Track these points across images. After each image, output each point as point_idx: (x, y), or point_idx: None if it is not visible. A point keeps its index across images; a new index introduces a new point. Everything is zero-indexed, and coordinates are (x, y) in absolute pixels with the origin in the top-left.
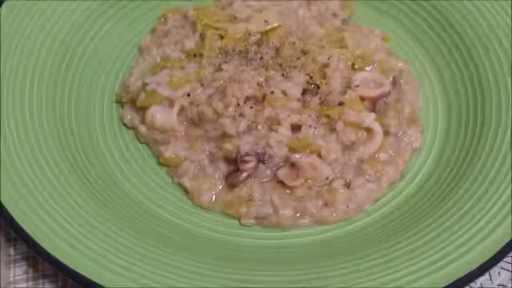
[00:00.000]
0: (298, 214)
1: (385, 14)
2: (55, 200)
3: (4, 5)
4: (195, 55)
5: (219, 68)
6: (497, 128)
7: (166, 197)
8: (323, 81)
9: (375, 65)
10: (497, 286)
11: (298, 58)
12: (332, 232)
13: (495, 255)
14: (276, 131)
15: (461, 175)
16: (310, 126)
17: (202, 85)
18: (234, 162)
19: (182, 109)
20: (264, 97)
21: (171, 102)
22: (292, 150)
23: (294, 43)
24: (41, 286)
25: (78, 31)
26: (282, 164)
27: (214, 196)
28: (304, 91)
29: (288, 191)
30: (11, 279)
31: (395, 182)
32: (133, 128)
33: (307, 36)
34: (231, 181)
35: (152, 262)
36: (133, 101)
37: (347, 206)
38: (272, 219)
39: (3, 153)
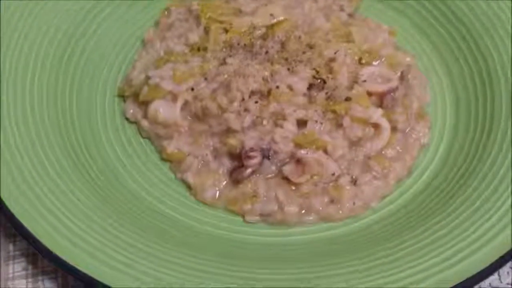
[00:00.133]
0: (303, 211)
1: (391, 7)
2: (56, 196)
3: None
4: (199, 49)
5: (223, 62)
6: (507, 123)
7: (168, 193)
8: (330, 75)
9: (383, 59)
10: (506, 285)
11: (304, 52)
12: (338, 229)
13: (504, 254)
14: (282, 126)
15: (470, 172)
16: (316, 121)
17: (206, 79)
18: (239, 158)
19: (185, 103)
20: (269, 92)
21: (174, 97)
22: (298, 145)
23: (300, 37)
24: (40, 283)
25: (80, 23)
26: (287, 160)
27: (217, 192)
28: (310, 86)
29: (293, 188)
30: (10, 275)
31: (402, 179)
32: (135, 122)
33: (313, 30)
34: (235, 177)
35: (154, 259)
36: (136, 95)
37: (354, 203)
38: (277, 216)
39: (3, 147)
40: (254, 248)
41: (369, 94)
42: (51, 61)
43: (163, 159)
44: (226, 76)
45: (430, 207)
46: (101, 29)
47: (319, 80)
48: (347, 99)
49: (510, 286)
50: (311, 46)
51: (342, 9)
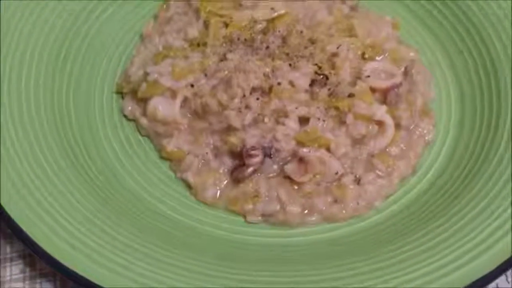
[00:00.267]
0: (306, 211)
1: None
2: (54, 197)
3: None
4: (198, 44)
5: (223, 58)
6: None
7: (168, 192)
8: (332, 71)
9: (386, 54)
10: None
11: (305, 47)
12: (341, 230)
13: (506, 261)
14: (283, 124)
15: (476, 171)
16: (319, 118)
17: (206, 75)
18: (240, 157)
19: (185, 100)
20: (270, 88)
21: (173, 93)
22: (300, 144)
23: (301, 32)
24: (38, 285)
25: (77, 18)
26: (289, 158)
27: (218, 192)
28: (312, 82)
29: (295, 187)
30: (7, 278)
31: (406, 177)
32: (134, 120)
33: (315, 24)
34: (236, 176)
35: (153, 261)
36: (134, 92)
37: (357, 203)
38: (279, 216)
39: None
40: (255, 249)
41: (373, 90)
42: (47, 56)
43: (163, 158)
44: (226, 72)
45: (436, 206)
46: (98, 22)
47: (321, 76)
48: (350, 95)
49: None
50: (313, 41)
51: (344, 2)
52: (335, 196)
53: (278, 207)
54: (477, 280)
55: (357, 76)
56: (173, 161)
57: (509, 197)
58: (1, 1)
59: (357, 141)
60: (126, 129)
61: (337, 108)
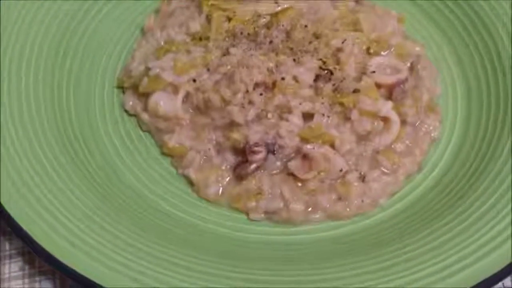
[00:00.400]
0: (309, 209)
1: None
2: (54, 194)
3: None
4: (201, 38)
5: (226, 52)
6: None
7: (170, 189)
8: (337, 66)
9: (392, 49)
10: None
11: (310, 42)
12: (345, 228)
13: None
14: (287, 120)
15: (482, 169)
16: (323, 114)
17: (208, 70)
18: (243, 153)
19: (187, 95)
20: (274, 84)
21: (175, 88)
22: (304, 140)
23: (306, 26)
24: (37, 283)
25: (77, 11)
26: (293, 155)
27: (221, 189)
28: (317, 77)
29: (299, 184)
30: (6, 276)
31: (412, 174)
32: (135, 115)
33: (319, 18)
34: (239, 173)
35: (153, 259)
36: (135, 87)
37: (362, 201)
38: (282, 214)
39: None
40: (258, 247)
41: (378, 85)
42: (47, 51)
43: (164, 154)
44: (229, 67)
45: (442, 204)
46: (99, 16)
47: (326, 71)
48: (355, 91)
49: None
50: (317, 36)
51: None
52: (339, 194)
53: (281, 204)
54: (483, 281)
55: (362, 72)
56: (175, 157)
57: None
58: None
59: (362, 138)
60: (127, 124)
61: (342, 104)
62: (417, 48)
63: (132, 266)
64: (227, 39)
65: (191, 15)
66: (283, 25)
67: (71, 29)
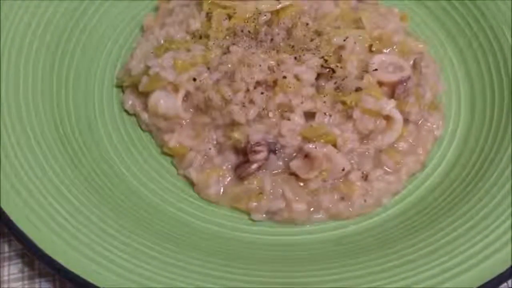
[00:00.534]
0: (311, 209)
1: None
2: (54, 197)
3: None
4: (201, 36)
5: (227, 51)
6: None
7: (170, 189)
8: (339, 64)
9: (394, 47)
10: None
11: (311, 40)
12: (348, 228)
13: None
14: (289, 119)
15: (486, 168)
16: (325, 113)
17: (208, 68)
18: (244, 153)
19: (187, 94)
20: (275, 82)
21: (175, 87)
22: (306, 139)
23: (307, 24)
24: (37, 285)
25: (76, 9)
26: (295, 154)
27: (222, 189)
28: (318, 76)
29: (301, 184)
30: (5, 278)
31: (415, 173)
32: (134, 114)
33: (321, 16)
34: (240, 173)
35: (153, 261)
36: (135, 86)
37: (364, 200)
38: (284, 214)
39: None
40: (259, 248)
41: (380, 83)
42: (45, 49)
43: (164, 153)
44: (229, 65)
45: (445, 203)
46: (98, 14)
47: (327, 70)
48: (358, 89)
49: None
50: (318, 33)
51: None
52: (342, 193)
53: (283, 204)
54: (491, 281)
55: (364, 70)
56: (175, 157)
57: None
58: None
59: (364, 137)
60: (127, 124)
61: (344, 103)
62: (420, 46)
63: (131, 268)
64: (227, 37)
65: (191, 12)
66: (284, 23)
67: (69, 28)
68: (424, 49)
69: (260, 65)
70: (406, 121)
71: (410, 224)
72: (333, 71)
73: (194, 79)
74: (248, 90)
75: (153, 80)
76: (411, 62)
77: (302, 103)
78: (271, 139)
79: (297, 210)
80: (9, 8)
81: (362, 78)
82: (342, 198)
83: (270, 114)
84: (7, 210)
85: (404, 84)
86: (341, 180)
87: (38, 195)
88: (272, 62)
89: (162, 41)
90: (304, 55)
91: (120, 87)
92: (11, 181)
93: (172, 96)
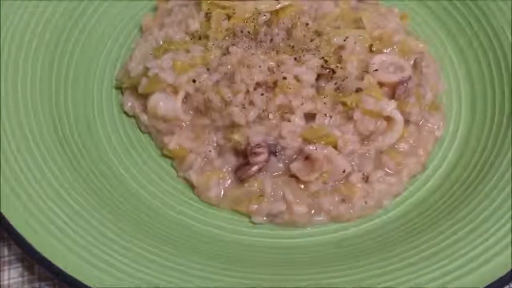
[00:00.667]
0: (312, 211)
1: None
2: (54, 200)
3: None
4: (200, 37)
5: (226, 51)
6: None
7: (170, 192)
8: (339, 65)
9: (394, 47)
10: None
11: (311, 40)
12: (348, 230)
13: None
14: (289, 120)
15: (487, 169)
16: (325, 114)
17: (208, 70)
18: (244, 155)
19: (187, 96)
20: (275, 83)
21: (175, 89)
22: (306, 141)
23: (307, 24)
24: None
25: (74, 10)
26: (295, 156)
27: (222, 191)
28: (318, 76)
29: (302, 186)
30: (5, 282)
31: (416, 175)
32: (134, 116)
33: (321, 16)
34: (240, 175)
35: (154, 265)
36: (134, 87)
37: (365, 202)
38: (284, 216)
39: None
40: (260, 250)
41: (381, 84)
42: (44, 50)
43: (164, 156)
44: (229, 66)
45: (447, 205)
46: (98, 13)
47: (327, 70)
48: (358, 90)
49: None
50: (318, 33)
51: None
52: (343, 195)
53: (283, 207)
54: (492, 284)
55: (365, 70)
56: (175, 159)
57: None
58: None
59: (365, 138)
60: (126, 126)
61: (344, 104)
62: (421, 45)
63: (131, 272)
64: (227, 37)
65: (190, 13)
66: (283, 23)
67: (68, 29)
68: (424, 49)
69: (260, 66)
70: (406, 122)
71: (410, 226)
72: (333, 71)
73: (194, 81)
74: (248, 91)
75: (152, 82)
76: (412, 62)
77: (302, 104)
78: (271, 140)
79: (298, 213)
80: (7, 11)
81: (362, 78)
82: (343, 200)
83: (270, 116)
84: (7, 214)
85: (405, 84)
86: (341, 182)
87: (37, 199)
88: (272, 63)
89: (161, 42)
90: (304, 55)
91: (120, 88)
92: (11, 185)
93: (171, 98)
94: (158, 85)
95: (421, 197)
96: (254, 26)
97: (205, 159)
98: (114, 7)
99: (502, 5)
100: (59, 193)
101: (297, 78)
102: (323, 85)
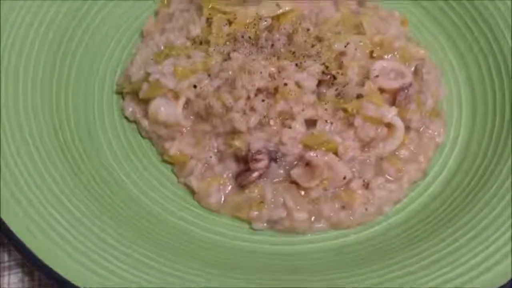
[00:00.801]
0: (313, 218)
1: None
2: (54, 206)
3: None
4: (201, 42)
5: (227, 57)
6: None
7: (170, 198)
8: (340, 71)
9: (395, 53)
10: None
11: (312, 46)
12: (349, 237)
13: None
14: (290, 126)
15: (488, 176)
16: (326, 121)
17: (209, 75)
18: (244, 161)
19: (188, 102)
20: (276, 89)
21: (176, 95)
22: (307, 147)
23: (308, 30)
24: None
25: (74, 14)
26: (296, 163)
27: (222, 198)
28: (319, 83)
29: (302, 193)
30: (5, 287)
31: (416, 181)
32: (135, 121)
33: (321, 21)
34: (241, 182)
35: (153, 271)
36: (135, 93)
37: (366, 209)
38: (285, 223)
39: None
40: (260, 257)
41: (381, 90)
42: (45, 54)
43: (165, 161)
44: (230, 72)
45: (447, 212)
46: (98, 18)
47: (328, 76)
48: (359, 96)
49: None
50: (319, 39)
51: None
52: (343, 202)
53: (284, 213)
54: None
55: (366, 76)
56: (176, 165)
57: None
58: None
59: (366, 144)
60: (127, 131)
61: (345, 110)
62: (421, 51)
63: (131, 278)
64: (228, 43)
65: (191, 18)
66: (284, 28)
67: (68, 33)
68: (425, 55)
69: (261, 72)
70: (407, 128)
71: (411, 233)
72: (334, 77)
73: (195, 86)
74: (249, 97)
75: (153, 87)
76: (413, 69)
77: (303, 110)
78: (272, 147)
79: (298, 219)
80: (9, 11)
81: (363, 84)
82: (343, 207)
83: (271, 122)
84: (7, 220)
85: (406, 91)
86: (342, 188)
87: (38, 204)
88: (273, 69)
89: (162, 47)
90: (305, 61)
91: (120, 93)
92: (11, 190)
93: (172, 104)
94: (159, 90)
95: (422, 203)
96: (255, 31)
97: (206, 165)
98: (119, 7)
99: (503, 10)
100: (60, 199)
101: (298, 84)
102: (324, 91)
